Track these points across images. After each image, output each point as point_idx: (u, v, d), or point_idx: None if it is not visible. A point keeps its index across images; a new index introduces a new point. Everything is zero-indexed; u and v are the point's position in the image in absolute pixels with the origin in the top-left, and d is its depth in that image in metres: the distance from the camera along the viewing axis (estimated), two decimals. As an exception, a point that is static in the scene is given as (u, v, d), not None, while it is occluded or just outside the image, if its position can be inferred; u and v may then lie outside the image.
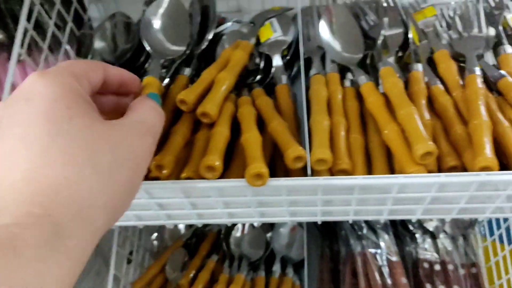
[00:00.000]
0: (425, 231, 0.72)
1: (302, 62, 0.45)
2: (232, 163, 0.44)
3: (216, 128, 0.42)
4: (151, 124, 0.31)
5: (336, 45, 0.50)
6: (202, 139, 0.44)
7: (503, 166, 0.40)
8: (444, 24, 0.53)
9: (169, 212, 0.47)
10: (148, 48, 0.49)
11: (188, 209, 0.46)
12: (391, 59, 0.49)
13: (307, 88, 0.48)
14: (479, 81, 0.44)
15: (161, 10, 0.51)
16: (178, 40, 0.50)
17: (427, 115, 0.44)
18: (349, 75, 0.50)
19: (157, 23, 0.50)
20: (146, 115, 0.31)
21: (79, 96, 0.27)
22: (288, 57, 0.53)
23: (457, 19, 0.51)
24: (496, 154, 0.39)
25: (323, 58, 0.52)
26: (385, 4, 0.54)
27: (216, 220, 0.48)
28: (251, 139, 0.41)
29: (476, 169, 0.38)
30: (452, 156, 0.41)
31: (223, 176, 0.43)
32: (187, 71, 0.50)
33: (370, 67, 0.50)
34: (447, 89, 0.46)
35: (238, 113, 0.45)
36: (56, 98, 0.26)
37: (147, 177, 0.42)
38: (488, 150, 0.38)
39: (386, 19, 0.52)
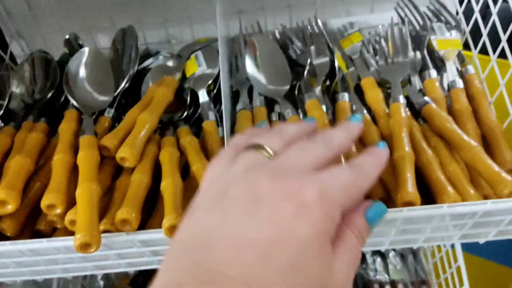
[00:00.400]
0: (375, 251, 0.71)
1: (223, 100, 0.44)
2: (156, 210, 0.42)
3: (135, 175, 0.41)
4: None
5: (261, 78, 0.49)
6: (122, 186, 0.42)
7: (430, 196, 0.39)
8: (371, 49, 0.53)
9: (96, 264, 0.45)
10: (76, 104, 0.47)
11: (114, 260, 0.43)
12: (318, 89, 0.49)
13: (234, 124, 0.47)
14: (403, 110, 0.43)
15: (82, 63, 0.50)
16: (104, 90, 0.48)
17: (353, 147, 0.43)
18: (278, 107, 0.49)
19: (81, 77, 0.49)
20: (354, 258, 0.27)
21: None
22: (215, 91, 0.51)
23: (384, 44, 0.51)
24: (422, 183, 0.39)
25: (251, 90, 0.50)
26: (310, 31, 0.54)
27: (148, 266, 0.46)
28: (170, 186, 0.39)
29: (398, 204, 0.37)
30: (378, 189, 0.41)
31: (146, 223, 0.41)
32: (108, 111, 0.48)
33: (298, 98, 0.49)
34: (374, 117, 0.46)
35: (160, 156, 0.43)
36: (320, 250, 0.24)
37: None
38: (410, 184, 0.37)
39: (312, 48, 0.52)
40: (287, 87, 0.49)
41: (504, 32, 0.45)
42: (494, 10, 0.46)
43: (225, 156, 0.30)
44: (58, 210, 0.39)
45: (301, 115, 0.46)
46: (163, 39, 0.62)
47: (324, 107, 0.47)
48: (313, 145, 0.30)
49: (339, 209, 0.26)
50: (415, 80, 0.49)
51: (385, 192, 0.40)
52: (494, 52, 0.47)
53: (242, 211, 0.24)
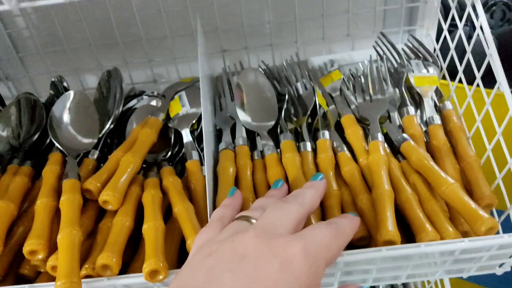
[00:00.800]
0: (365, 283, 0.71)
1: (205, 140, 0.44)
2: (138, 253, 0.42)
3: (117, 219, 0.41)
4: None
5: (247, 113, 0.49)
6: (104, 229, 0.42)
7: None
8: (351, 86, 0.54)
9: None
10: (60, 147, 0.47)
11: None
12: (304, 125, 0.50)
13: (216, 162, 0.47)
14: (381, 148, 0.44)
15: (66, 106, 0.50)
16: (88, 132, 0.49)
17: (334, 185, 0.43)
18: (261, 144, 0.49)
19: (65, 121, 0.50)
20: None
21: None
22: (198, 130, 0.52)
23: (363, 81, 0.52)
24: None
25: (235, 128, 0.51)
26: (292, 69, 0.55)
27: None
28: (151, 230, 0.39)
29: (379, 243, 0.37)
30: (360, 227, 0.41)
31: (128, 267, 0.41)
32: (93, 153, 0.49)
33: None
34: (355, 154, 0.47)
35: (142, 198, 0.43)
36: None
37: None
38: (389, 223, 0.38)
39: (298, 85, 0.53)
40: (273, 122, 0.50)
41: (479, 68, 0.46)
42: (468, 48, 0.47)
43: (212, 226, 0.32)
44: (40, 256, 0.39)
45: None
46: (149, 78, 0.63)
47: (308, 144, 0.47)
48: (288, 205, 0.32)
49: (323, 265, 0.27)
50: (395, 115, 0.50)
51: (366, 230, 0.41)
52: (471, 84, 0.48)
53: (227, 268, 0.25)
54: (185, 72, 0.63)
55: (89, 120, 0.50)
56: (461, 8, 0.48)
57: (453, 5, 0.50)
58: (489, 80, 0.57)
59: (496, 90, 0.42)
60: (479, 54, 0.47)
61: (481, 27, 0.45)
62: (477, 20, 0.45)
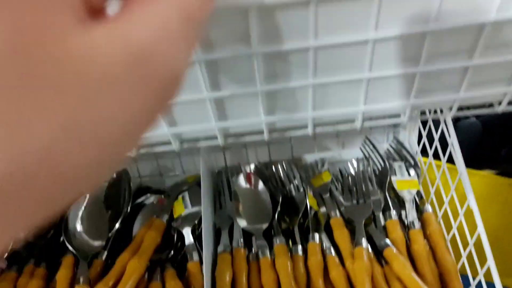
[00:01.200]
0: None
1: (204, 247, 0.49)
2: None
3: (123, 327, 0.45)
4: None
5: (242, 221, 0.54)
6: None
7: None
8: (340, 186, 0.58)
9: None
10: (73, 251, 0.52)
11: None
12: (295, 228, 0.54)
13: (215, 263, 0.51)
14: (365, 255, 0.48)
15: (79, 212, 0.55)
16: (99, 235, 0.54)
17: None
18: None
19: (78, 228, 0.54)
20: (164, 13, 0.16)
21: None
22: (199, 229, 0.57)
23: (350, 183, 0.57)
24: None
25: (232, 225, 0.56)
26: (286, 170, 0.60)
27: None
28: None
29: None
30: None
31: None
32: (102, 253, 0.53)
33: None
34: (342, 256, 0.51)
35: (147, 303, 0.48)
36: None
37: None
38: (370, 334, 0.42)
39: (291, 186, 0.58)
40: (267, 224, 0.54)
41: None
42: (443, 159, 0.52)
43: None
44: None
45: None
46: (155, 171, 0.68)
47: (300, 248, 0.52)
48: None
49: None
50: (379, 215, 0.55)
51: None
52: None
53: None
54: (190, 165, 0.68)
55: (100, 223, 0.54)
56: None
57: (429, 117, 0.55)
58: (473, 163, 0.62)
59: (466, 207, 0.47)
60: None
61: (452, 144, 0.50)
62: (449, 137, 0.50)
